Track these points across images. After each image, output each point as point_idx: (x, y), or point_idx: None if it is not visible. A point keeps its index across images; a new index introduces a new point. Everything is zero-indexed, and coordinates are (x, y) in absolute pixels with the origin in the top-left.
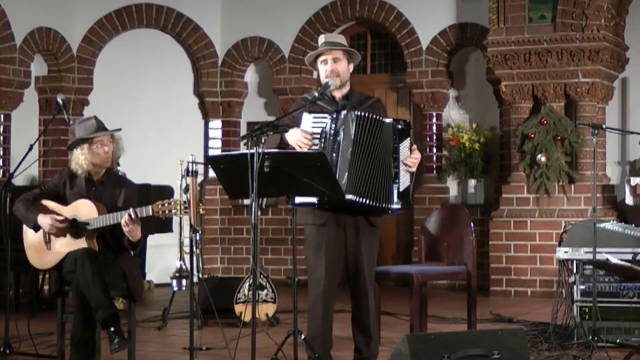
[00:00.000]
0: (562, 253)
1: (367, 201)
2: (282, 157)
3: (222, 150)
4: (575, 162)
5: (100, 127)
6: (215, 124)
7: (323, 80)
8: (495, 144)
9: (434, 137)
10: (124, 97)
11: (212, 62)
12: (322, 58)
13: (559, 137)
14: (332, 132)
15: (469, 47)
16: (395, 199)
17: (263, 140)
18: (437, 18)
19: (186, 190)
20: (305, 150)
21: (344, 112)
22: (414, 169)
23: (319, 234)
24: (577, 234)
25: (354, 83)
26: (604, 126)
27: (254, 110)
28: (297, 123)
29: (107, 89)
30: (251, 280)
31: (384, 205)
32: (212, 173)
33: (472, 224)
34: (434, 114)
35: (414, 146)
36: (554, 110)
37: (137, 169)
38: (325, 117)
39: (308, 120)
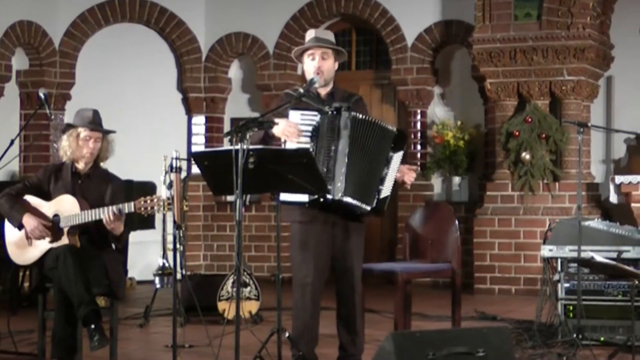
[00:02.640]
0: (546, 251)
1: (363, 205)
2: (267, 153)
3: (206, 147)
4: (560, 160)
5: (94, 121)
6: (199, 120)
7: (307, 74)
8: (479, 141)
9: (419, 134)
10: (107, 92)
11: (196, 58)
12: (310, 52)
13: (543, 135)
14: (328, 131)
15: (454, 44)
16: (374, 203)
17: (247, 137)
18: (423, 15)
19: (170, 186)
20: (292, 141)
21: (344, 114)
22: (409, 181)
23: (305, 231)
24: (562, 232)
25: (338, 80)
26: (589, 124)
27: (238, 106)
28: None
29: (90, 84)
30: (235, 278)
31: (364, 205)
32: (195, 169)
33: (456, 222)
34: (419, 111)
35: (415, 167)
36: (538, 108)
37: (119, 165)
38: (315, 115)
39: (296, 118)
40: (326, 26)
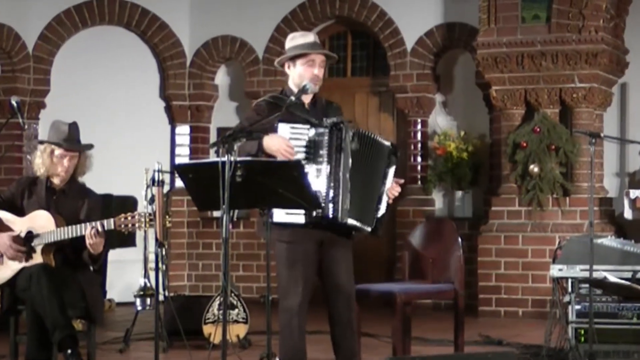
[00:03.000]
0: (556, 271)
1: (364, 226)
2: (255, 166)
3: (191, 158)
4: (570, 173)
5: (70, 138)
6: (183, 130)
7: (300, 80)
8: (484, 153)
9: (419, 146)
10: (83, 100)
11: (180, 63)
12: (309, 58)
13: (553, 146)
14: (329, 149)
15: (457, 48)
16: (373, 223)
17: (235, 148)
18: (423, 17)
19: (151, 201)
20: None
21: (346, 130)
22: (391, 201)
23: (292, 250)
24: (573, 250)
25: (333, 86)
26: (601, 134)
27: (224, 115)
28: (270, 131)
29: (65, 91)
30: (221, 299)
31: (364, 227)
32: (179, 183)
33: (459, 239)
34: (419, 120)
35: (401, 180)
36: (548, 117)
37: (97, 178)
38: (306, 128)
39: (285, 131)
40: (320, 29)
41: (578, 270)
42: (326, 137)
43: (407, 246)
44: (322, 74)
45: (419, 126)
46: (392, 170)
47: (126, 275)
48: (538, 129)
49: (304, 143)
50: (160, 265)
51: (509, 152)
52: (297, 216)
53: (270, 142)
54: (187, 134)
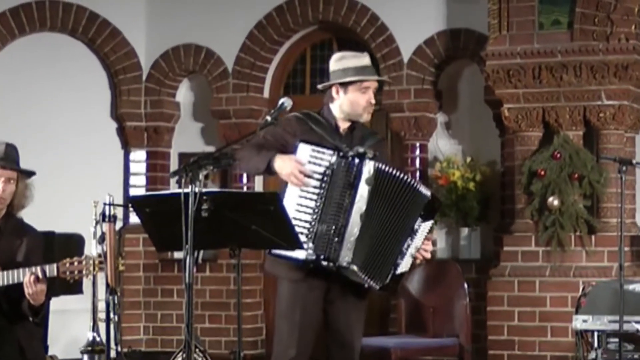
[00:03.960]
0: (580, 322)
1: (366, 277)
2: (224, 198)
3: (147, 189)
4: (596, 206)
5: (6, 157)
6: (139, 156)
7: (348, 109)
8: (494, 183)
9: (417, 174)
10: (20, 120)
11: (135, 77)
12: (366, 85)
13: (576, 175)
14: (343, 180)
15: (463, 59)
16: (387, 280)
17: (201, 177)
18: (423, 23)
19: (101, 240)
20: (298, 188)
21: (368, 163)
22: (418, 261)
23: (293, 292)
24: (599, 298)
25: (316, 105)
26: (633, 161)
27: (187, 138)
28: (287, 148)
29: None
30: (184, 356)
31: (372, 282)
32: (134, 218)
33: (465, 285)
34: (418, 144)
35: (434, 237)
36: (570, 140)
37: (38, 213)
38: (330, 155)
39: (305, 153)
40: (300, 36)
41: (606, 322)
42: (342, 166)
43: (404, 293)
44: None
45: (418, 151)
46: (426, 226)
47: (71, 327)
48: (558, 155)
49: (322, 170)
50: (111, 315)
51: (524, 182)
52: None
53: (283, 164)
54: (144, 161)
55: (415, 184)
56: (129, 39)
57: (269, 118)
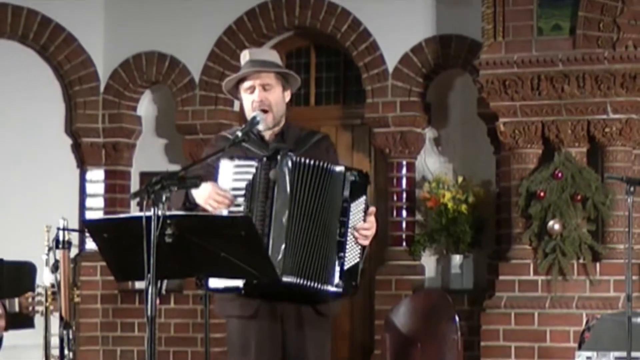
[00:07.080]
0: (583, 358)
1: (308, 282)
2: (191, 222)
3: (105, 213)
4: (601, 231)
5: None
6: (96, 175)
7: (248, 114)
8: (489, 205)
9: (404, 196)
10: None
11: (92, 88)
12: (247, 84)
13: (579, 197)
14: (262, 187)
15: (454, 68)
16: (336, 279)
17: (164, 199)
18: (410, 28)
19: (55, 268)
20: (221, 212)
21: (282, 160)
22: (366, 242)
23: (245, 330)
24: (605, 332)
25: (292, 118)
26: None
27: (149, 155)
28: (214, 173)
29: None
30: None
31: (320, 286)
32: (91, 244)
33: (456, 318)
34: (404, 162)
35: (372, 209)
36: (572, 158)
37: None
38: (252, 166)
39: (228, 170)
40: (274, 43)
41: (612, 358)
42: (259, 172)
43: (389, 327)
44: (272, 96)
45: (404, 170)
46: (358, 204)
47: None
48: (559, 174)
49: (246, 183)
50: (65, 352)
51: (522, 205)
52: (232, 280)
53: (199, 192)
54: (101, 181)
55: (327, 165)
56: (85, 46)
57: (239, 133)
